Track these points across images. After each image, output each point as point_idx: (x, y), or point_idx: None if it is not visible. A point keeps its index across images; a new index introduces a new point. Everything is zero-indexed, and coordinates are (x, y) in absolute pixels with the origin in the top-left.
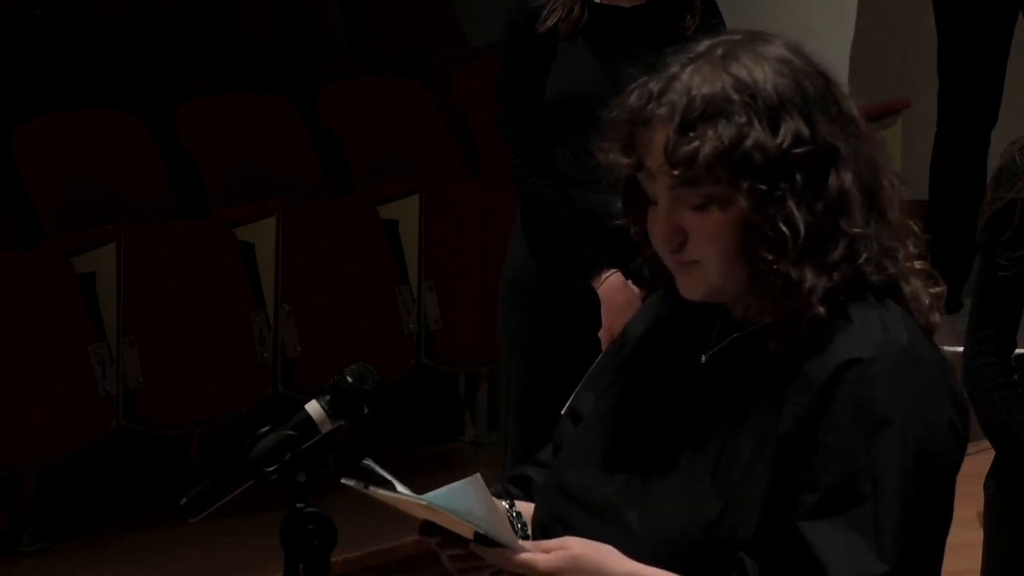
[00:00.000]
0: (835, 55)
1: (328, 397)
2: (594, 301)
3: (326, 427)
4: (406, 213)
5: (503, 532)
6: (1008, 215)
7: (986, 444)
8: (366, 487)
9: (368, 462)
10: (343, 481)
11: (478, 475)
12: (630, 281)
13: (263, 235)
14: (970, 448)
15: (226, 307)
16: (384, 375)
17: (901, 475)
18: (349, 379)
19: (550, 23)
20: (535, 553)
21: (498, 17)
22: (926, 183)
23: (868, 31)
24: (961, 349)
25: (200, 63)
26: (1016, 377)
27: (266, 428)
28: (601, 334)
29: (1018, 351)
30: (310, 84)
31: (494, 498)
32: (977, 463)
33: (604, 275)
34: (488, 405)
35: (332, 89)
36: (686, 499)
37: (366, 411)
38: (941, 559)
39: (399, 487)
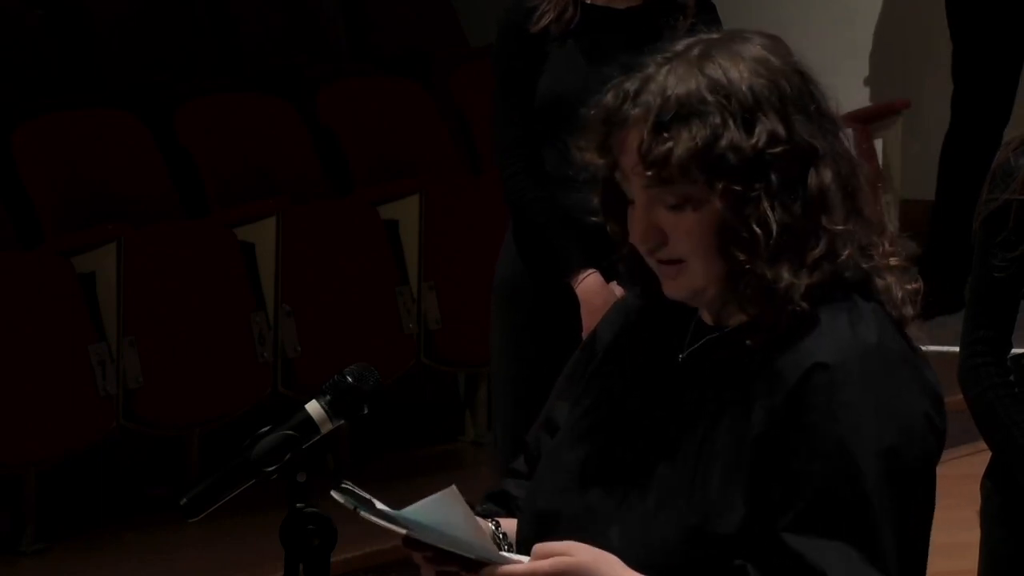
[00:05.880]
0: (836, 55)
1: (328, 397)
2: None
3: (326, 427)
4: (406, 213)
5: (484, 544)
6: (1003, 216)
7: (983, 445)
8: (355, 508)
9: (347, 484)
10: (332, 494)
11: (453, 487)
12: (615, 282)
13: (263, 235)
14: (967, 449)
15: (226, 307)
16: (384, 375)
17: (880, 477)
18: (349, 379)
19: (542, 24)
20: (534, 562)
21: (499, 17)
22: (926, 183)
23: (869, 31)
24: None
25: (200, 63)
26: (1012, 378)
27: (266, 428)
28: (584, 335)
29: (1014, 352)
30: (310, 84)
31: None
32: (974, 464)
33: (581, 276)
34: (488, 405)
35: (332, 89)
36: (664, 514)
37: (366, 411)
38: (927, 550)
39: (378, 504)
